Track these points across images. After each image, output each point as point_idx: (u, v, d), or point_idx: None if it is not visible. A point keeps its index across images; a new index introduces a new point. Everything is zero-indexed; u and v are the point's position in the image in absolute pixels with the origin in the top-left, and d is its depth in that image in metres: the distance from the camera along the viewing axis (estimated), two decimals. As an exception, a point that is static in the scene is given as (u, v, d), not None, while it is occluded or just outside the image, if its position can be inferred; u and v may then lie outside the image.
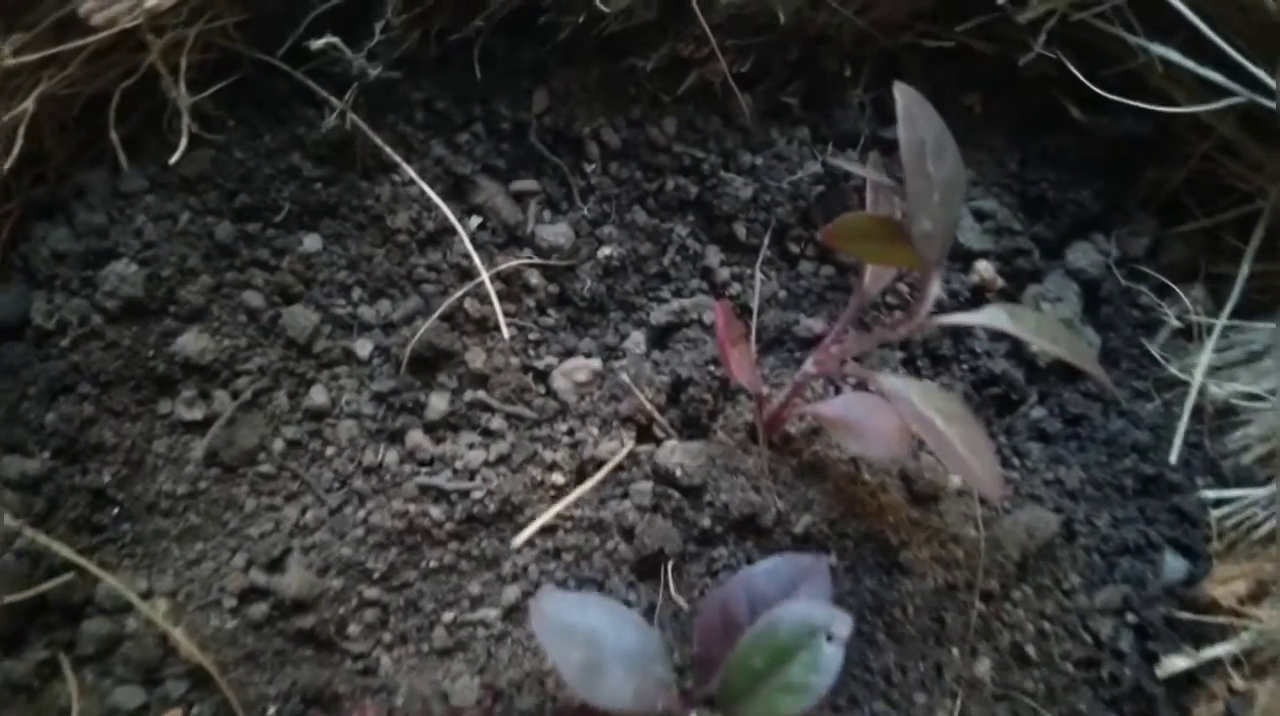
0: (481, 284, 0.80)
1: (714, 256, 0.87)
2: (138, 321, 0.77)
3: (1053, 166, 0.90)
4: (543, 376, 0.82)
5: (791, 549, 0.74)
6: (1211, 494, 0.82)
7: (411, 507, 0.75)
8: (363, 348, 0.81)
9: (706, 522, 0.75)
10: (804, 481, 0.77)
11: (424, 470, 0.77)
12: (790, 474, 0.77)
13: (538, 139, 0.85)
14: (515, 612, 0.74)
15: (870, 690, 0.73)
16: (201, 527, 0.76)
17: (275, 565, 0.74)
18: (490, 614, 0.74)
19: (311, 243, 0.81)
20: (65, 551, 0.72)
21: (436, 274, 0.82)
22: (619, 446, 0.78)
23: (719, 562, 0.74)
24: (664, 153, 0.86)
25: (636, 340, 0.85)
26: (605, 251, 0.85)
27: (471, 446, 0.78)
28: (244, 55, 0.80)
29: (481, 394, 0.80)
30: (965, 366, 0.87)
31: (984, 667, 0.76)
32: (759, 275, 0.87)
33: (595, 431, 0.79)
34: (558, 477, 0.77)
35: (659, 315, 0.85)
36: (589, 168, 0.86)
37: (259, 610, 0.73)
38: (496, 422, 0.79)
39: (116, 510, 0.76)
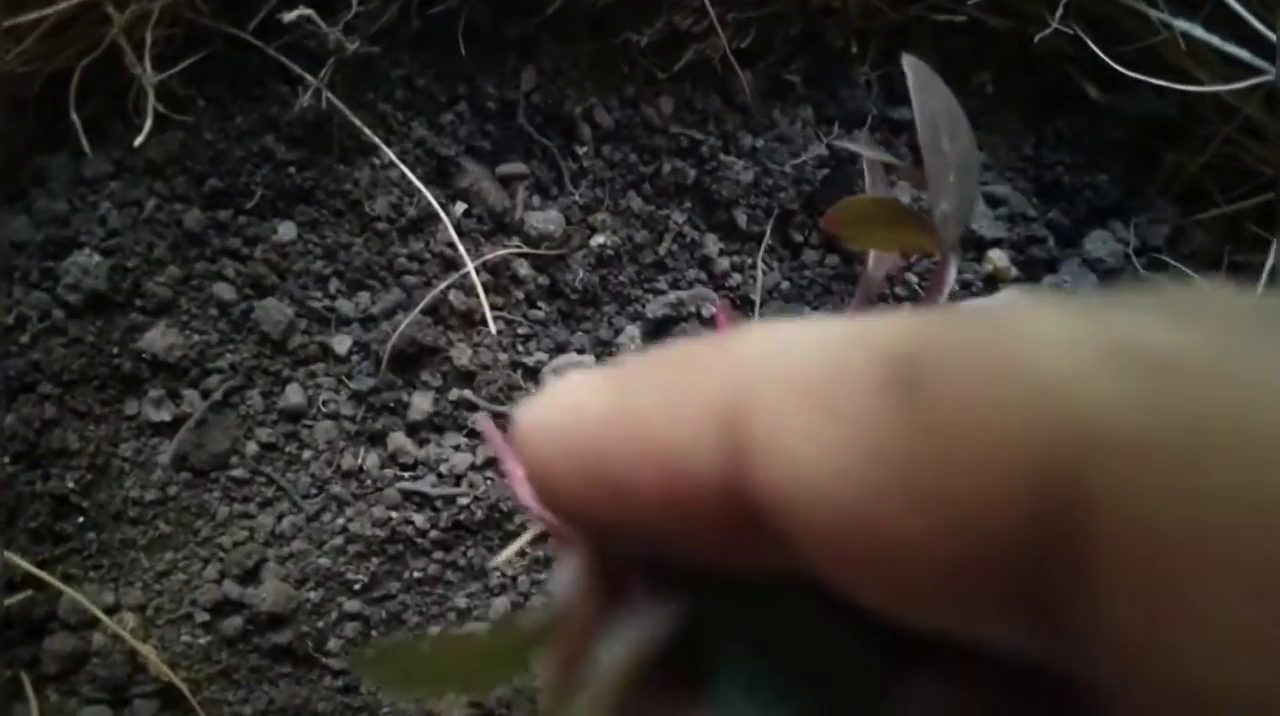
0: (467, 275, 0.77)
1: (713, 245, 0.84)
2: (101, 316, 0.74)
3: (1068, 149, 0.87)
4: (532, 373, 0.79)
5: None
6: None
7: (394, 515, 0.73)
8: (341, 343, 0.78)
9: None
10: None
11: (407, 474, 0.75)
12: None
13: (526, 119, 0.82)
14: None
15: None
16: (171, 536, 0.73)
17: (250, 576, 0.72)
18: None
19: (286, 231, 0.78)
20: (25, 564, 0.70)
21: (419, 264, 0.79)
22: (614, 447, 0.75)
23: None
24: (660, 134, 0.83)
25: (631, 334, 0.82)
26: (598, 240, 0.81)
27: (457, 448, 0.76)
28: (213, 29, 0.77)
29: (468, 392, 0.77)
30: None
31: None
32: (761, 265, 0.84)
33: (588, 431, 0.76)
34: (549, 481, 0.75)
35: (655, 308, 0.82)
36: (581, 150, 0.82)
37: (233, 624, 0.71)
38: (483, 423, 0.77)
39: (81, 518, 0.73)
